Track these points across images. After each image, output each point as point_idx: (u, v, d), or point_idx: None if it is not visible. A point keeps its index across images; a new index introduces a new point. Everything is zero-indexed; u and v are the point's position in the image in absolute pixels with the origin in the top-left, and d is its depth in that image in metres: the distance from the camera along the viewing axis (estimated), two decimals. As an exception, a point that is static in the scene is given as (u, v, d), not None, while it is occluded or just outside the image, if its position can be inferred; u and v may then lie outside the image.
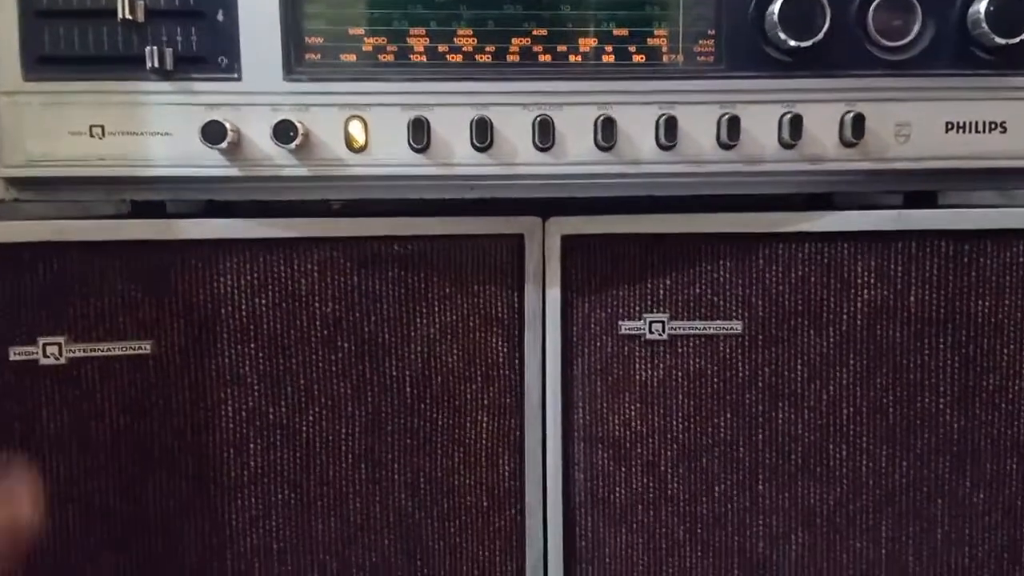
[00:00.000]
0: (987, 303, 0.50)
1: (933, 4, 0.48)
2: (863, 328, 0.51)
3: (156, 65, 0.46)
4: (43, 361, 0.47)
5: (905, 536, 0.52)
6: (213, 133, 0.46)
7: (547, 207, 0.52)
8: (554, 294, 0.52)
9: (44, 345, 0.47)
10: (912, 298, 0.50)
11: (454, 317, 0.52)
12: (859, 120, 0.48)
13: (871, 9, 0.48)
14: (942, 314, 0.50)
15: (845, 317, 0.51)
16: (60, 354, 0.48)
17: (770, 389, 0.52)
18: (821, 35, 0.47)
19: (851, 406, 0.51)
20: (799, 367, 0.51)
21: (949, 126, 0.49)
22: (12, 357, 0.47)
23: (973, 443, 0.51)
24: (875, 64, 0.48)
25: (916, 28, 0.48)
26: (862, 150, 0.49)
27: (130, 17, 0.46)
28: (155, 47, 0.46)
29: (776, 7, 0.47)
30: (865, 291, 0.51)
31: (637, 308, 0.52)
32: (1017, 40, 0.47)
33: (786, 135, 0.48)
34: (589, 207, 0.52)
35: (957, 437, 0.51)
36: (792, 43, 0.47)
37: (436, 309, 0.52)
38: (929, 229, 0.49)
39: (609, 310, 0.52)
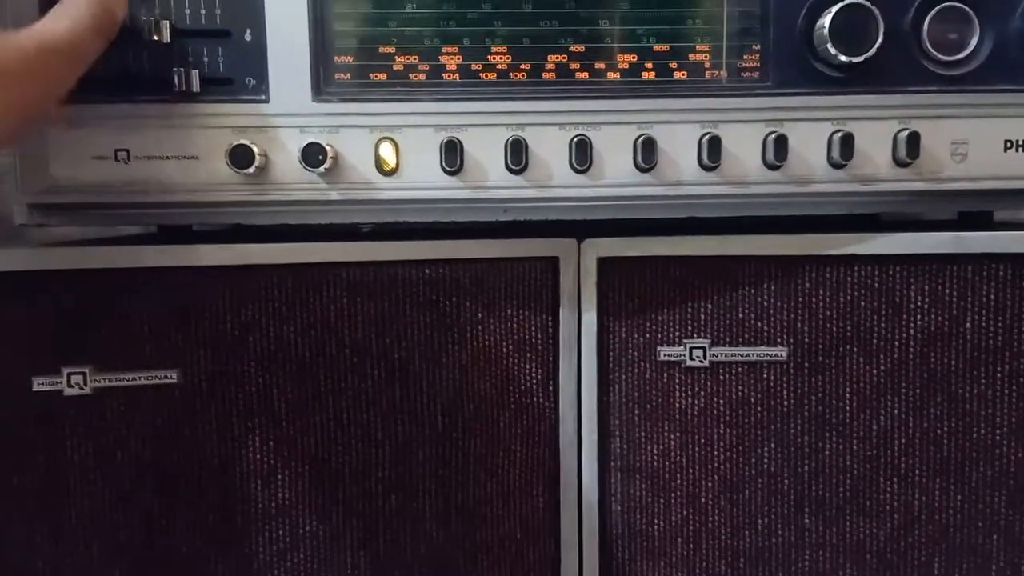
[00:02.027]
0: (1048, 330, 0.47)
1: (991, 16, 0.46)
2: (916, 356, 0.48)
3: (183, 87, 0.45)
4: (67, 391, 0.46)
5: (959, 573, 0.50)
6: (241, 157, 0.45)
7: (582, 228, 0.50)
8: (590, 318, 0.50)
9: (69, 375, 0.46)
10: (968, 324, 0.48)
11: (487, 342, 0.50)
12: (914, 138, 0.46)
13: (926, 22, 0.45)
14: (999, 342, 0.48)
15: (897, 344, 0.48)
16: (85, 384, 0.46)
17: (817, 419, 0.49)
18: (874, 50, 0.44)
19: (903, 437, 0.49)
20: (848, 396, 0.49)
21: (1008, 144, 0.47)
22: (36, 388, 0.46)
23: (1032, 476, 0.49)
24: (930, 79, 0.46)
25: (973, 42, 0.46)
26: (916, 169, 0.46)
27: (155, 38, 0.44)
28: (181, 69, 0.45)
29: (827, 20, 0.44)
30: (918, 317, 0.48)
31: (677, 333, 0.50)
32: (1083, 54, 0.45)
33: (836, 154, 0.46)
34: (626, 228, 0.50)
35: (1014, 470, 0.49)
36: (843, 58, 0.45)
37: (468, 334, 0.50)
38: (987, 252, 0.47)
39: (647, 335, 0.50)
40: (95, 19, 0.39)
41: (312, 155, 0.45)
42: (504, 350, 0.50)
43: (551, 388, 0.51)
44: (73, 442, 0.47)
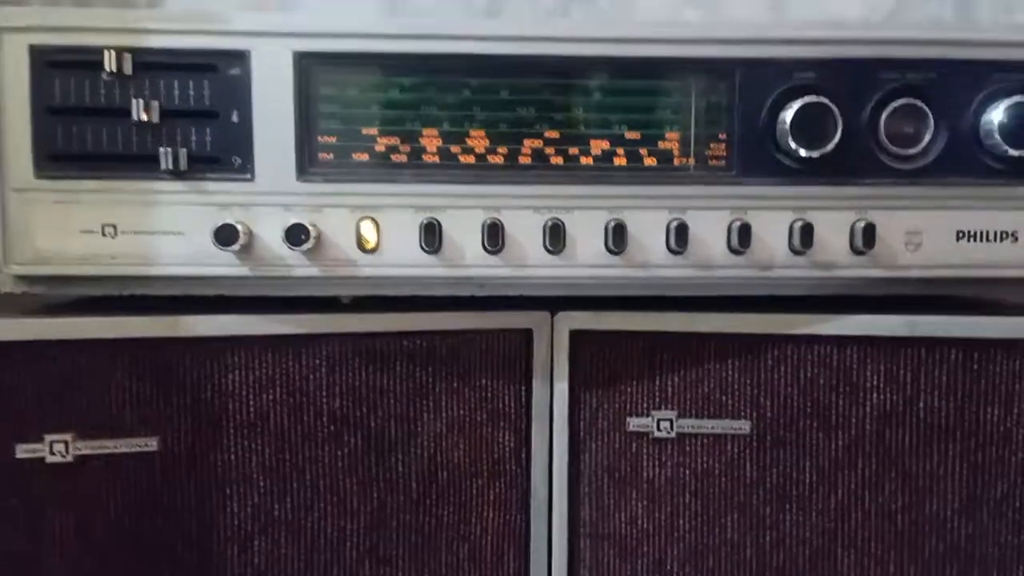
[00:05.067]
0: (996, 411, 0.50)
1: (945, 113, 0.48)
2: (872, 432, 0.51)
3: (170, 166, 0.46)
4: (49, 459, 0.47)
5: (912, 642, 0.52)
6: (225, 236, 0.46)
7: (555, 301, 0.52)
8: (562, 389, 0.52)
9: (51, 443, 0.47)
10: (921, 404, 0.50)
11: (461, 411, 0.52)
12: (870, 229, 0.48)
13: (883, 117, 0.48)
14: (951, 421, 0.50)
15: (854, 421, 0.51)
16: (67, 451, 0.47)
17: (778, 491, 0.51)
18: (832, 146, 0.47)
19: (859, 510, 0.51)
20: (807, 469, 0.51)
21: (960, 235, 0.49)
22: (19, 455, 0.47)
23: (981, 550, 0.51)
24: (886, 172, 0.48)
25: (928, 137, 0.48)
26: (873, 258, 0.49)
27: (144, 118, 0.46)
28: (169, 148, 0.46)
29: (788, 116, 0.47)
30: (874, 395, 0.50)
31: (645, 405, 0.52)
32: (1029, 152, 0.47)
33: (797, 242, 0.48)
34: (598, 301, 0.52)
35: (965, 544, 0.51)
36: (803, 153, 0.47)
37: (443, 404, 0.52)
38: (939, 336, 0.49)
39: (617, 406, 0.52)
40: None
41: (295, 235, 0.46)
42: (478, 419, 0.52)
43: (523, 456, 0.53)
44: (54, 509, 0.48)
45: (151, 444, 0.48)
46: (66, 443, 0.47)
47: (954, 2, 0.75)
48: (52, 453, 0.47)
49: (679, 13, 0.77)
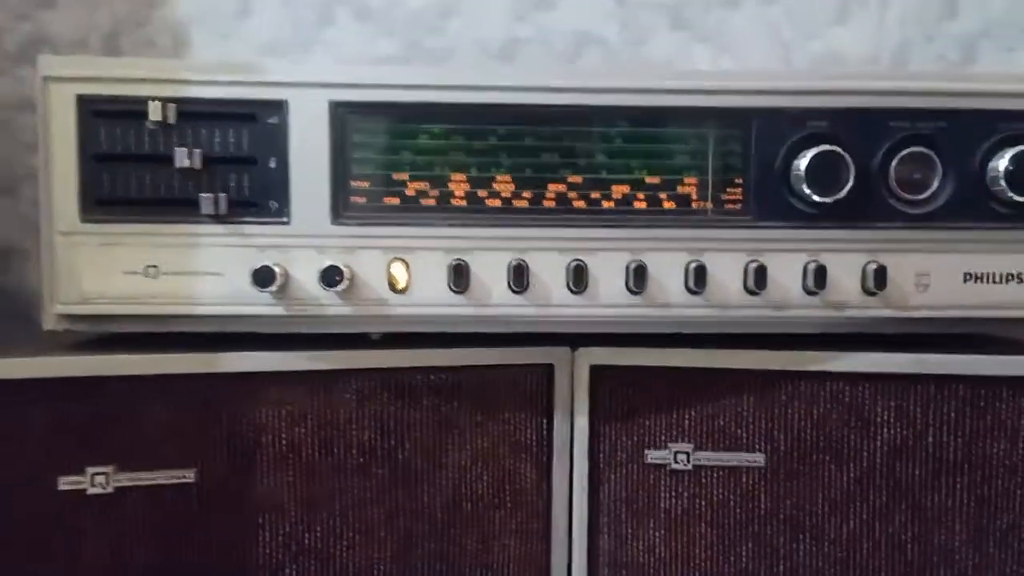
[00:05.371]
0: (1002, 446, 0.51)
1: (953, 161, 0.50)
2: (882, 466, 0.52)
3: (211, 210, 0.48)
4: (91, 490, 0.49)
5: (922, 669, 0.54)
6: (263, 277, 0.48)
7: (576, 337, 0.54)
8: (582, 422, 0.54)
9: (92, 475, 0.49)
10: (930, 438, 0.52)
11: (485, 444, 0.54)
12: (881, 271, 0.50)
13: (893, 165, 0.50)
14: (959, 455, 0.52)
15: (865, 454, 0.52)
16: (107, 483, 0.49)
17: (791, 522, 0.53)
18: (845, 192, 0.49)
19: (870, 541, 0.53)
20: (820, 501, 0.53)
21: (967, 276, 0.51)
22: (61, 487, 0.49)
23: (988, 580, 0.53)
24: (897, 217, 0.50)
25: (936, 183, 0.50)
26: (883, 299, 0.51)
27: (187, 165, 0.48)
28: (210, 193, 0.48)
29: (803, 163, 0.49)
30: (885, 430, 0.52)
31: (663, 438, 0.54)
32: (1033, 197, 0.49)
33: (811, 283, 0.50)
34: (617, 337, 0.54)
35: (972, 574, 0.53)
36: (817, 198, 0.49)
37: (468, 436, 0.53)
38: (947, 374, 0.51)
39: (635, 439, 0.54)
40: None
41: (330, 276, 0.48)
42: (501, 451, 0.54)
43: (545, 487, 0.54)
44: (94, 539, 0.49)
45: (189, 476, 0.50)
46: (107, 475, 0.49)
47: (957, 41, 0.77)
48: (93, 485, 0.49)
49: (688, 51, 0.80)
